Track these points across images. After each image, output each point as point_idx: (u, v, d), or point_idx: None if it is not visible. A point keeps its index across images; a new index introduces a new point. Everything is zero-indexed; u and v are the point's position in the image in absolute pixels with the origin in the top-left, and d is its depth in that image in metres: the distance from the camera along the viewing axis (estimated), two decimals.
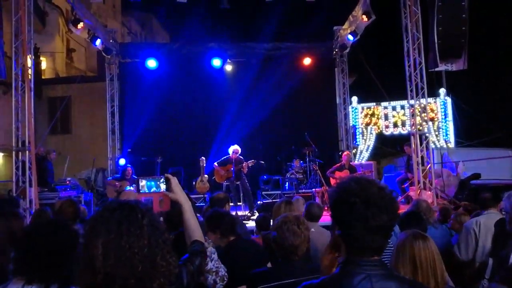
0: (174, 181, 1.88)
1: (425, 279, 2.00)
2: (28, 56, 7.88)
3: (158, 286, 1.25)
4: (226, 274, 2.32)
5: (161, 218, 1.99)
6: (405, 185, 9.44)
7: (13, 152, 7.89)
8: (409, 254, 2.06)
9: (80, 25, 9.70)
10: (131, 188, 8.59)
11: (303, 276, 2.21)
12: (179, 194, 1.86)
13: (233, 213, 4.78)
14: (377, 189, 1.37)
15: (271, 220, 4.08)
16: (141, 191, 1.92)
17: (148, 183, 1.92)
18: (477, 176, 9.44)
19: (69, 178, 10.23)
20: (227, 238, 3.20)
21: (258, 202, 9.63)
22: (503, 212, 3.22)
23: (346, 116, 12.72)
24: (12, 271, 1.81)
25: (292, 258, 2.45)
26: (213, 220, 3.22)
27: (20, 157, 7.82)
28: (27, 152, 7.72)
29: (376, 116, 12.89)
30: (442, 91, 12.66)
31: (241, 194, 9.23)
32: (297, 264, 2.45)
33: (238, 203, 9.15)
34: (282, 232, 2.45)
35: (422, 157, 8.77)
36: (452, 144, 12.31)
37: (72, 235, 1.89)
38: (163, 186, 1.89)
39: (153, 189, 1.91)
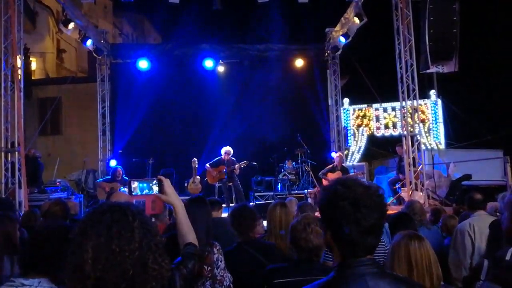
0: (167, 183, 1.85)
1: (421, 279, 2.01)
2: (18, 56, 7.79)
3: None
4: (231, 284, 2.26)
5: (153, 219, 1.96)
6: (397, 186, 9.48)
7: (2, 153, 7.79)
8: (404, 254, 2.06)
9: (71, 25, 9.59)
10: (125, 189, 8.52)
11: (318, 275, 2.16)
12: (172, 196, 1.83)
13: (225, 214, 4.73)
14: (363, 188, 1.37)
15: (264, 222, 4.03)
16: (133, 193, 1.88)
17: (141, 185, 1.89)
18: (468, 177, 9.51)
19: (59, 180, 10.11)
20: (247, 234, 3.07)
21: (251, 204, 9.60)
22: (497, 214, 3.20)
23: (338, 117, 12.74)
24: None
25: (314, 259, 2.40)
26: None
27: (9, 159, 7.72)
28: (16, 153, 7.62)
29: (367, 117, 12.94)
30: (433, 93, 12.74)
31: (234, 195, 9.21)
32: (315, 265, 2.39)
33: (231, 204, 9.13)
34: (306, 234, 2.37)
35: (413, 158, 8.81)
36: (442, 146, 12.39)
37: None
38: (155, 188, 1.86)
39: (146, 191, 1.87)
